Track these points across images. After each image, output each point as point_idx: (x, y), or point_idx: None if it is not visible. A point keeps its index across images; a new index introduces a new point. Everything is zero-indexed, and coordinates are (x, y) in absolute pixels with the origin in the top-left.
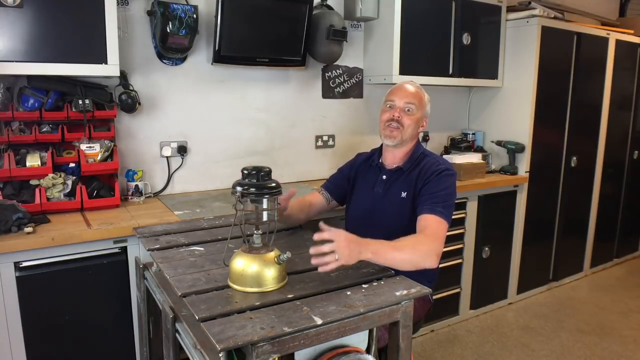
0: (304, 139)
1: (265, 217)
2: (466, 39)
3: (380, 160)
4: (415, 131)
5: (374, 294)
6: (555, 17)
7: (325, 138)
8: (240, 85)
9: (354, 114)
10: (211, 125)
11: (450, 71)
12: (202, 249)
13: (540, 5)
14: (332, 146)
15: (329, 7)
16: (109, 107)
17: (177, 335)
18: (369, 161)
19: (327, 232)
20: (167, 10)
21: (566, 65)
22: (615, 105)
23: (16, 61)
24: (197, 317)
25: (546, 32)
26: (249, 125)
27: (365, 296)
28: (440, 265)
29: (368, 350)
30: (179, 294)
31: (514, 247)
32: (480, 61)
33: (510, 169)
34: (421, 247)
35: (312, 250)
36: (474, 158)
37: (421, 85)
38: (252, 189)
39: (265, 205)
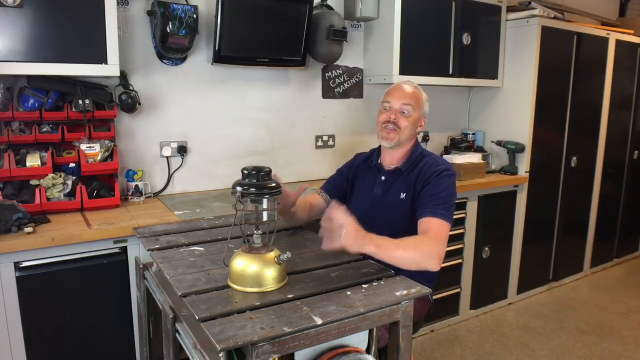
0: (304, 139)
1: (265, 217)
2: (466, 39)
3: (379, 161)
4: (413, 132)
5: (374, 294)
6: (555, 17)
7: (325, 138)
8: (240, 85)
9: (354, 114)
10: (211, 125)
11: (450, 71)
12: (202, 249)
13: (540, 5)
14: (332, 146)
15: (329, 7)
16: (109, 107)
17: (177, 335)
18: (368, 162)
19: (340, 213)
20: (167, 10)
21: (566, 65)
22: (615, 105)
23: (16, 61)
24: (197, 317)
25: (546, 32)
26: (248, 125)
27: (365, 296)
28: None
29: (368, 350)
30: (179, 294)
31: (514, 247)
32: (480, 61)
33: (510, 169)
34: (424, 247)
35: (324, 221)
36: (474, 158)
37: (421, 85)
38: (252, 189)
39: (265, 205)
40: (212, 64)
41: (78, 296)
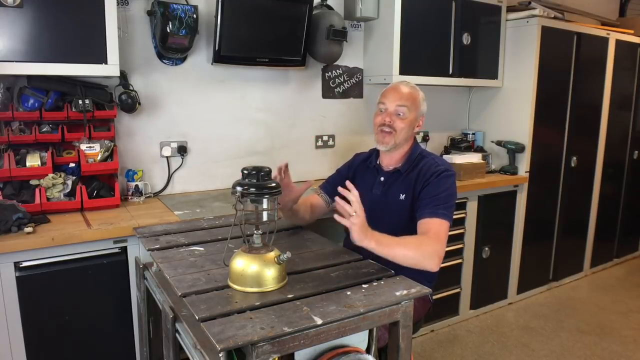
0: (304, 139)
1: (265, 217)
2: (466, 39)
3: (378, 162)
4: (410, 133)
5: (374, 294)
6: (555, 17)
7: (325, 138)
8: (240, 85)
9: (354, 114)
10: (211, 125)
11: (450, 71)
12: (202, 249)
13: (540, 5)
14: (332, 146)
15: (329, 7)
16: (109, 107)
17: (177, 335)
18: (367, 162)
19: (356, 199)
20: (167, 10)
21: (566, 65)
22: (615, 105)
23: (16, 61)
24: (197, 317)
25: (546, 32)
26: (248, 125)
27: (365, 296)
28: (440, 265)
29: (368, 350)
30: (179, 294)
31: (514, 247)
32: (480, 61)
33: (510, 169)
34: (425, 247)
35: (339, 200)
36: (474, 158)
37: (421, 85)
38: (252, 189)
39: (265, 205)
40: (212, 64)
41: (78, 296)
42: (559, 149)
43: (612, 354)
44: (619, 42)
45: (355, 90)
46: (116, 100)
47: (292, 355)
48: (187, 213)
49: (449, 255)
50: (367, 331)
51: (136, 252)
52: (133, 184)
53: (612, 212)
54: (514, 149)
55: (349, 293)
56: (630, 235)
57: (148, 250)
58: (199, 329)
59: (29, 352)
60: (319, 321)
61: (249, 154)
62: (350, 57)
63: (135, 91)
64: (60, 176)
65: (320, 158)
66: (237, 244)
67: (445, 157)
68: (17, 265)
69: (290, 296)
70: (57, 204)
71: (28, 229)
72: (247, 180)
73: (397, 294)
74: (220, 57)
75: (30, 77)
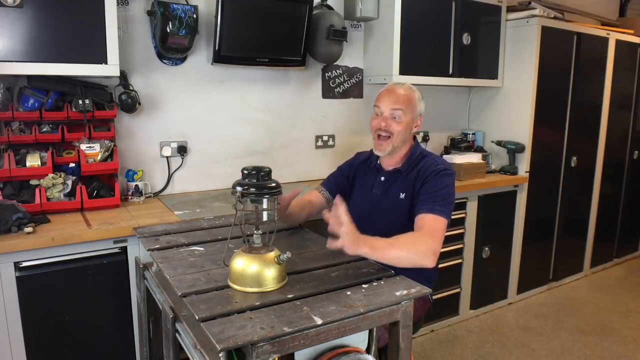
0: (304, 139)
1: (265, 217)
2: (466, 39)
3: (378, 162)
4: (407, 135)
5: (374, 294)
6: (555, 17)
7: (325, 138)
8: (240, 85)
9: (354, 114)
10: (211, 125)
11: (450, 71)
12: (202, 249)
13: (540, 5)
14: (332, 146)
15: (329, 7)
16: (109, 107)
17: (177, 335)
18: (368, 162)
19: (342, 212)
20: (167, 10)
21: (566, 65)
22: (615, 105)
23: (16, 61)
24: (197, 317)
25: (546, 32)
26: (248, 125)
27: (365, 296)
28: (440, 265)
29: (368, 350)
30: (179, 294)
31: (514, 247)
32: (480, 61)
33: (510, 169)
34: (419, 245)
35: (330, 218)
36: (474, 158)
37: (421, 85)
38: (252, 189)
39: (265, 205)
40: (212, 64)
41: (78, 296)
42: (559, 149)
43: (612, 354)
44: (619, 42)
45: (355, 90)
46: (116, 100)
47: (292, 355)
48: (187, 213)
49: (449, 255)
50: (367, 331)
51: (136, 252)
52: (133, 184)
53: (612, 212)
54: (514, 149)
55: (349, 293)
56: (630, 235)
57: (148, 250)
58: (199, 329)
59: (28, 352)
60: (319, 321)
61: (249, 154)
62: (350, 57)
63: (135, 91)
64: (60, 176)
65: (320, 158)
66: (237, 244)
67: (445, 157)
68: (17, 265)
69: (290, 296)
70: (57, 204)
71: (28, 229)
72: (247, 180)
73: (397, 294)
74: (220, 57)
75: (30, 77)
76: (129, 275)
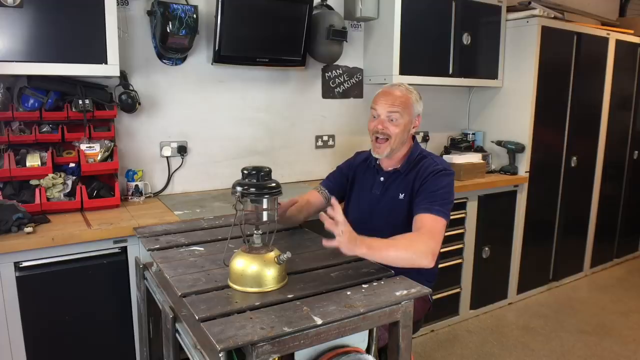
0: (304, 139)
1: (265, 217)
2: (466, 39)
3: (378, 162)
4: (405, 136)
5: (374, 294)
6: (555, 17)
7: (325, 138)
8: (240, 85)
9: (354, 114)
10: (211, 125)
11: (450, 71)
12: (202, 249)
13: (540, 5)
14: (332, 146)
15: (329, 7)
16: (109, 107)
17: (177, 335)
18: (367, 162)
19: (338, 213)
20: (167, 10)
21: (566, 65)
22: (615, 105)
23: (16, 61)
24: (197, 317)
25: (546, 32)
26: (249, 125)
27: (365, 296)
28: (440, 265)
29: (368, 350)
30: (179, 294)
31: (514, 247)
32: (480, 61)
33: (510, 169)
34: (417, 245)
35: (325, 220)
36: (474, 158)
37: (421, 85)
38: (252, 189)
39: (265, 205)
40: (212, 64)
41: (78, 296)
42: (559, 149)
43: (612, 354)
44: (619, 42)
45: (355, 90)
46: (116, 100)
47: (292, 355)
48: (187, 213)
49: (449, 255)
50: (367, 331)
51: (136, 252)
52: (133, 184)
53: (612, 212)
54: (514, 149)
55: (349, 293)
56: (630, 235)
57: (148, 250)
58: (199, 329)
59: (28, 352)
60: (319, 321)
61: (249, 154)
62: (350, 57)
63: (135, 91)
64: (60, 176)
65: (320, 158)
66: (237, 244)
67: (445, 157)
68: (17, 265)
69: (290, 296)
70: (57, 204)
71: (28, 229)
72: (247, 180)
73: (397, 294)
74: (220, 57)
75: (30, 77)
76: (129, 275)
